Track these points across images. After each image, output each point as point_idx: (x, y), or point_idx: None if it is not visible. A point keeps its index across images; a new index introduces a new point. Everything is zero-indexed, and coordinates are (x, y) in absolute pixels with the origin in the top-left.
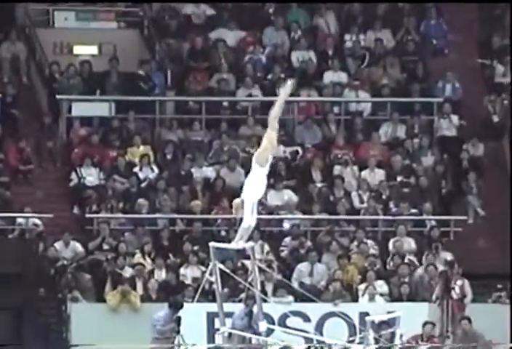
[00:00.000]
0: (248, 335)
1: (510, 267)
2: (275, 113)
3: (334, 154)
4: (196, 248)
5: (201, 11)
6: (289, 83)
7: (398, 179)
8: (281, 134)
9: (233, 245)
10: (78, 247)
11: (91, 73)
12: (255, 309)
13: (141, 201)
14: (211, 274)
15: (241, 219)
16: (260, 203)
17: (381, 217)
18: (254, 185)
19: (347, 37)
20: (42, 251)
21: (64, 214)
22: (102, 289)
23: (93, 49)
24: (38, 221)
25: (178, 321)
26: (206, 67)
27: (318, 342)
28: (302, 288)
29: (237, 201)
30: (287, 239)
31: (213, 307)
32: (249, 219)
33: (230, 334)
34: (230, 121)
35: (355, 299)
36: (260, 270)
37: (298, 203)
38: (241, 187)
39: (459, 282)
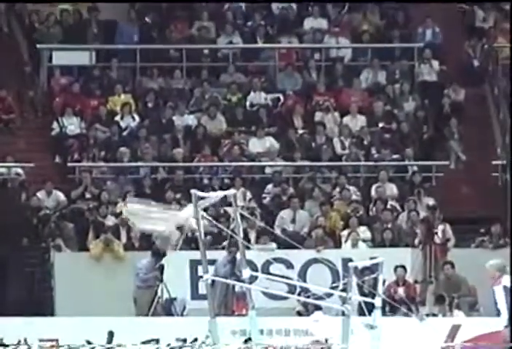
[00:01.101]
0: (231, 282)
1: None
2: None
3: (316, 100)
4: (178, 196)
5: None
6: None
7: (380, 125)
8: (262, 80)
9: (215, 193)
10: (61, 196)
11: (71, 22)
12: (238, 256)
13: (123, 149)
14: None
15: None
16: (242, 150)
17: (363, 163)
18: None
19: None
20: (25, 200)
21: (46, 163)
22: (85, 237)
23: None
24: (20, 170)
25: (161, 269)
26: (186, 16)
27: (302, 288)
28: (285, 235)
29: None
30: (269, 186)
31: (196, 254)
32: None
33: (213, 282)
34: (210, 69)
35: (338, 246)
36: (243, 217)
37: (280, 150)
38: (222, 135)
39: (441, 227)
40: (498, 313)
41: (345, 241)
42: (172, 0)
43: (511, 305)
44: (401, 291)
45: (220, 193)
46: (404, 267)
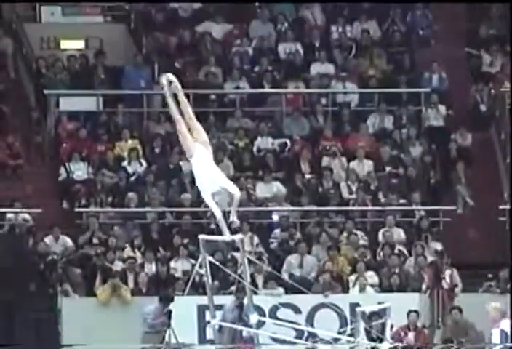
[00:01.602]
0: (239, 327)
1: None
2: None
3: (323, 145)
4: (185, 241)
5: (187, 5)
6: None
7: (387, 169)
8: (269, 126)
9: (222, 237)
10: (68, 242)
11: (78, 67)
12: (246, 301)
13: (130, 194)
14: (201, 267)
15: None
16: (249, 195)
17: (370, 207)
18: (201, 177)
19: (333, 28)
20: (32, 246)
21: (53, 209)
22: (93, 283)
23: (80, 44)
24: (27, 216)
25: (169, 314)
26: (193, 61)
27: (309, 333)
28: (293, 280)
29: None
30: (277, 231)
31: (203, 299)
32: (217, 210)
33: (220, 327)
34: (217, 114)
35: (345, 291)
36: (250, 262)
37: (287, 195)
38: (230, 180)
39: (448, 272)
40: None
41: (353, 286)
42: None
43: None
44: (411, 336)
45: (228, 238)
46: (417, 312)
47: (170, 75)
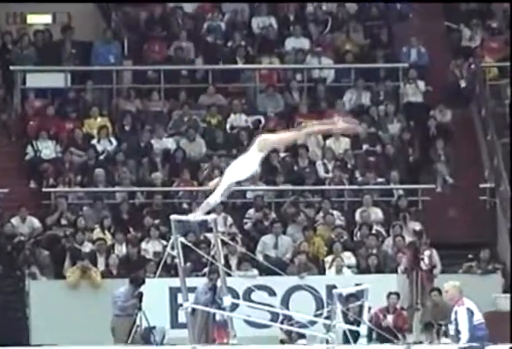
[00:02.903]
0: (212, 310)
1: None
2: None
3: (298, 123)
4: (156, 221)
5: None
6: None
7: (364, 147)
8: (243, 102)
9: (193, 217)
10: (36, 223)
11: (45, 42)
12: (219, 283)
13: (99, 173)
14: (173, 248)
15: (205, 193)
16: (222, 173)
17: (347, 186)
18: (244, 166)
19: (308, 2)
20: None
21: (20, 189)
22: (62, 265)
23: (47, 18)
24: None
25: (140, 296)
26: (164, 36)
27: (285, 316)
28: (267, 261)
29: (215, 181)
30: (251, 211)
31: (175, 282)
32: (218, 196)
33: (193, 310)
34: (189, 91)
35: (321, 272)
36: (224, 243)
37: (262, 173)
38: (202, 159)
39: (427, 252)
40: (457, 334)
41: (329, 267)
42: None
43: (472, 327)
44: (390, 318)
45: (200, 218)
46: (397, 294)
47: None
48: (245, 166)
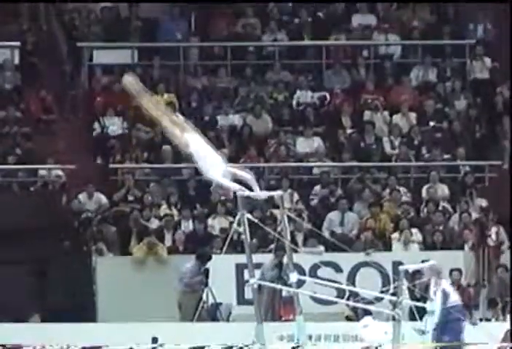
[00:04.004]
0: (278, 287)
1: None
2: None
3: (364, 99)
4: (223, 197)
5: None
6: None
7: (431, 124)
8: (309, 79)
9: (261, 193)
10: (103, 199)
11: (112, 19)
12: (285, 260)
13: (166, 150)
14: (239, 224)
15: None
16: (289, 150)
17: (413, 163)
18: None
19: None
20: (65, 203)
21: (87, 165)
22: (128, 241)
23: None
24: (60, 172)
25: (206, 273)
26: (230, 13)
27: (351, 292)
28: (333, 237)
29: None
30: (317, 187)
31: (242, 258)
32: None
33: (259, 286)
34: (256, 67)
35: (388, 248)
36: (290, 219)
37: (328, 150)
38: (268, 135)
39: (494, 229)
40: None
41: (395, 244)
42: None
43: (444, 309)
44: None
45: (267, 194)
46: (459, 270)
47: (129, 79)
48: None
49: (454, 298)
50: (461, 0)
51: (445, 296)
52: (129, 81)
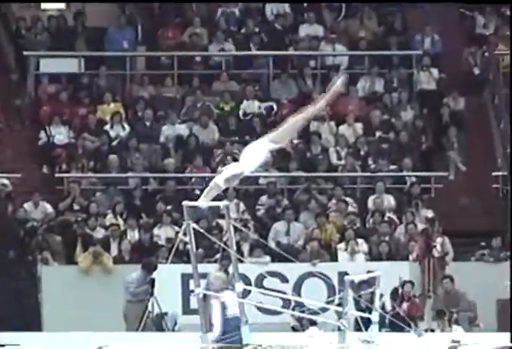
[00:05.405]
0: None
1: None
2: (316, 107)
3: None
4: (169, 207)
5: None
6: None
7: (377, 134)
8: (256, 89)
9: (207, 203)
10: (48, 208)
11: (59, 28)
12: (231, 270)
13: (112, 159)
14: (185, 234)
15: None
16: (235, 160)
17: (359, 173)
18: (253, 156)
19: None
20: (11, 212)
21: (33, 174)
22: (74, 250)
23: (61, 4)
24: (6, 181)
25: (152, 282)
26: (178, 22)
27: (297, 303)
28: (279, 247)
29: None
30: (263, 197)
31: (188, 268)
32: (222, 181)
33: (205, 296)
34: (202, 77)
35: (334, 259)
36: (236, 229)
37: (274, 160)
38: (214, 145)
39: (439, 240)
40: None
41: (341, 254)
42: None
43: (224, 321)
44: (405, 306)
45: (212, 203)
46: (411, 282)
47: None
48: (254, 155)
49: (234, 310)
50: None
51: (223, 307)
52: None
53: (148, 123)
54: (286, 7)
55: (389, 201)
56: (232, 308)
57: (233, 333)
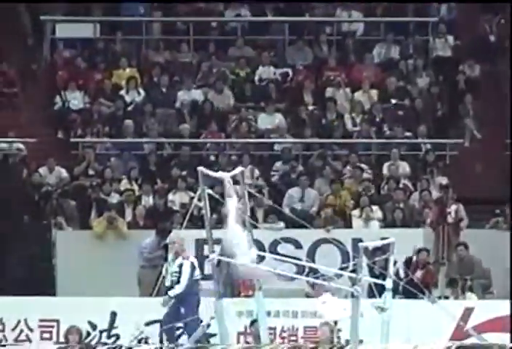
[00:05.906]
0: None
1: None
2: None
3: (326, 75)
4: (184, 173)
5: None
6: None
7: (392, 101)
8: (272, 55)
9: (222, 174)
10: (63, 172)
11: None
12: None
13: (127, 124)
14: (199, 200)
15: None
16: (250, 126)
17: (374, 140)
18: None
19: None
20: (26, 176)
21: (48, 139)
22: (88, 215)
23: None
24: (21, 146)
25: (166, 248)
26: None
27: (310, 269)
28: (294, 214)
29: None
30: (278, 163)
31: (202, 233)
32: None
33: (219, 262)
34: (218, 43)
35: (348, 225)
36: (250, 195)
37: (289, 126)
38: (229, 111)
39: (454, 207)
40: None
41: (355, 221)
42: None
43: (191, 281)
44: (419, 274)
45: (229, 174)
46: (427, 250)
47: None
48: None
49: (198, 272)
50: None
51: (193, 268)
52: None
53: (163, 89)
54: None
55: (404, 167)
56: (198, 270)
57: (194, 295)
